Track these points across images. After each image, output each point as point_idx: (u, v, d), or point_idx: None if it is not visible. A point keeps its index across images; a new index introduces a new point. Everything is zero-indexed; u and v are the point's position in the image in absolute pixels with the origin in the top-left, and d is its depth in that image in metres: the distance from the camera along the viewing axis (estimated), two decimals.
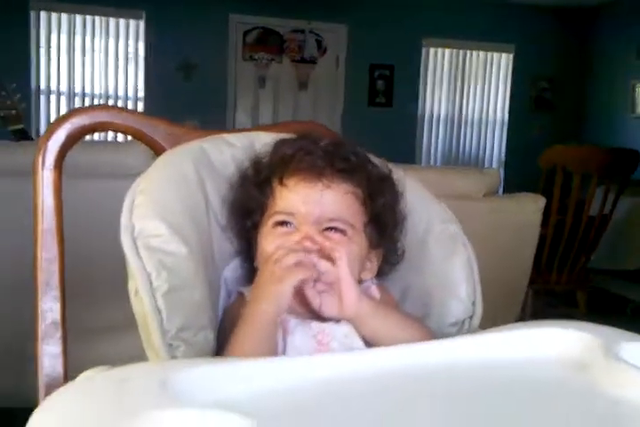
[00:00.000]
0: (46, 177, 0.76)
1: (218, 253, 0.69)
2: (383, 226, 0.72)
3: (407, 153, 5.75)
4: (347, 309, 0.63)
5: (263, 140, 0.77)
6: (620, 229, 3.31)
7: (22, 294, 1.66)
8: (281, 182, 0.68)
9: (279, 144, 0.72)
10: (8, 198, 1.71)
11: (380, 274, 0.75)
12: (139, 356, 1.73)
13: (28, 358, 1.69)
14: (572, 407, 0.50)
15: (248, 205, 0.71)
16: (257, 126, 0.90)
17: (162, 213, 0.62)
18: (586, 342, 0.58)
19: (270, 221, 0.68)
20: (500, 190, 2.23)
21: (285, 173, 0.68)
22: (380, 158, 0.77)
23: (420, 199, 0.78)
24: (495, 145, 6.07)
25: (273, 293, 0.60)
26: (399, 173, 0.77)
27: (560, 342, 0.59)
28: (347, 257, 0.63)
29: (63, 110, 5.19)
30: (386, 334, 0.63)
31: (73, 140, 0.78)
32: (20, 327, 1.70)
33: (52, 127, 0.77)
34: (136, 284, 0.58)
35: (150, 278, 0.58)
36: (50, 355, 0.75)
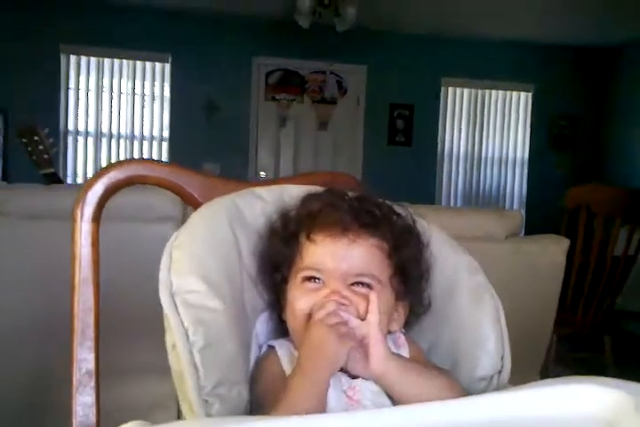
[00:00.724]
0: (84, 229, 0.79)
1: (249, 305, 0.71)
2: (408, 277, 0.73)
3: (427, 191, 5.77)
4: (374, 367, 0.63)
5: (292, 193, 0.79)
6: None
7: (44, 344, 1.69)
8: (308, 238, 0.70)
9: (306, 199, 0.74)
10: (36, 241, 1.75)
11: (408, 325, 0.76)
12: (163, 395, 1.72)
13: (49, 410, 1.70)
14: None
15: (276, 259, 0.72)
16: (289, 177, 0.93)
17: (198, 269, 0.64)
18: (616, 399, 0.58)
19: (299, 276, 0.70)
20: (522, 229, 2.22)
21: (312, 228, 0.70)
22: (403, 208, 0.78)
23: (446, 249, 0.79)
24: (516, 183, 6.07)
25: (331, 361, 0.61)
26: (423, 224, 0.78)
27: (590, 400, 0.58)
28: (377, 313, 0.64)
29: (90, 151, 5.33)
30: (414, 391, 0.63)
31: (110, 193, 0.81)
32: (41, 380, 1.72)
33: (91, 181, 0.80)
34: (174, 339, 0.59)
35: (187, 334, 0.59)
36: (84, 404, 0.76)
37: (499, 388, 0.70)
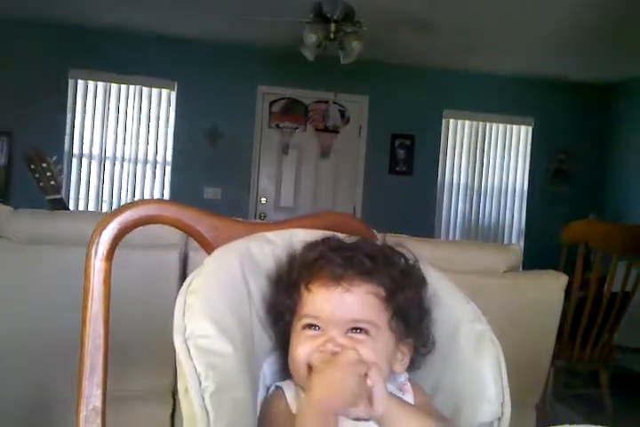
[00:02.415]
0: (97, 267, 0.81)
1: (258, 347, 0.73)
2: (409, 319, 0.75)
3: (427, 221, 5.81)
4: (377, 407, 0.65)
5: (300, 237, 0.82)
6: None
7: (46, 366, 1.69)
8: (307, 287, 0.74)
9: (306, 249, 0.78)
10: (41, 266, 1.77)
11: (413, 366, 0.77)
12: (161, 420, 1.71)
13: None
14: None
15: (279, 308, 0.76)
16: (296, 219, 0.95)
17: (211, 313, 0.66)
18: None
19: (299, 324, 0.73)
20: (521, 262, 2.24)
21: (309, 278, 0.74)
22: (405, 249, 0.80)
23: (449, 296, 0.81)
24: (515, 215, 6.11)
25: (345, 396, 0.64)
26: (425, 266, 0.80)
27: None
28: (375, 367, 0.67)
29: (94, 174, 5.37)
30: None
31: (124, 232, 0.83)
32: (40, 401, 1.72)
33: (106, 220, 0.83)
34: (186, 384, 0.61)
35: (200, 379, 0.61)
36: None
37: None
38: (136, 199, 5.00)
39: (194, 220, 0.89)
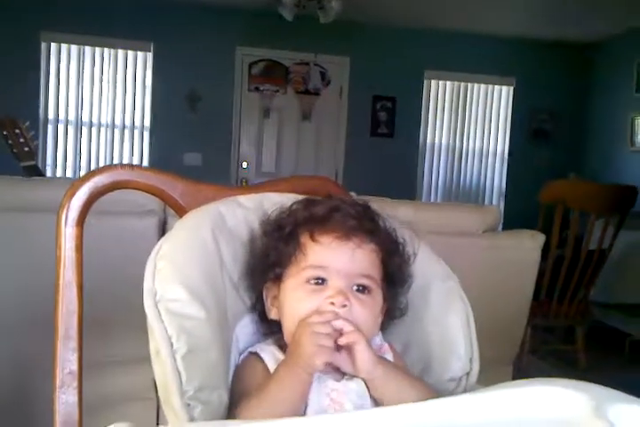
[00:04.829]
0: (68, 233, 0.80)
1: (230, 311, 0.73)
2: (394, 283, 0.77)
3: (408, 183, 5.82)
4: (360, 372, 0.66)
5: (272, 200, 0.82)
6: (619, 262, 3.34)
7: (23, 332, 1.69)
8: (312, 238, 0.72)
9: (309, 203, 0.77)
10: (16, 233, 1.75)
11: (382, 328, 0.79)
12: (142, 387, 1.74)
13: (31, 398, 1.71)
14: None
15: (271, 257, 0.74)
16: (268, 182, 0.94)
17: (181, 278, 0.66)
18: (577, 402, 0.61)
19: (302, 275, 0.71)
20: (500, 222, 2.27)
21: (318, 230, 0.72)
22: (394, 220, 0.82)
23: (422, 257, 0.82)
24: (496, 176, 6.14)
25: (306, 365, 0.64)
26: (411, 235, 0.82)
27: (552, 402, 0.62)
28: (366, 322, 0.69)
29: (70, 140, 5.28)
30: (394, 395, 0.66)
31: (94, 198, 0.82)
32: (22, 372, 1.73)
33: (75, 186, 0.82)
34: (157, 346, 0.62)
35: (171, 341, 0.62)
36: (66, 403, 0.78)
37: (467, 389, 0.74)
38: None
39: (166, 185, 0.88)
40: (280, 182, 0.96)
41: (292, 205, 0.78)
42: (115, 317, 1.70)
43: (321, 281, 0.71)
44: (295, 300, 0.71)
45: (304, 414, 0.64)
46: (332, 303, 0.68)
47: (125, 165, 0.85)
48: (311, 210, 0.75)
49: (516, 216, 4.23)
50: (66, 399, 0.79)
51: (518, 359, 2.31)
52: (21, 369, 1.74)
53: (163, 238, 0.71)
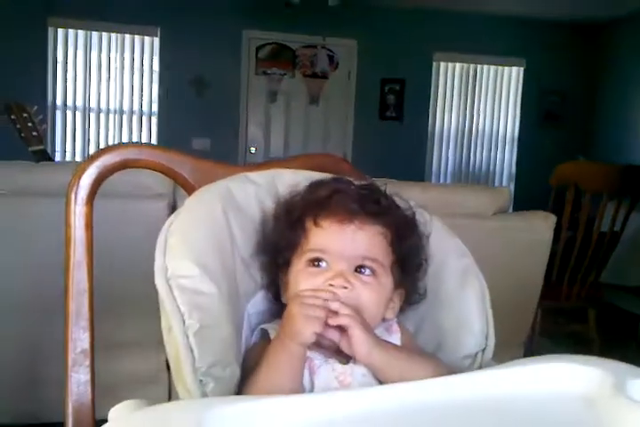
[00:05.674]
0: (78, 212, 0.80)
1: (241, 288, 0.73)
2: (408, 267, 0.75)
3: (417, 167, 5.79)
4: (355, 355, 0.66)
5: (285, 178, 0.81)
6: (631, 244, 3.31)
7: (28, 315, 1.71)
8: (315, 223, 0.72)
9: (314, 185, 0.76)
10: (26, 217, 1.76)
11: (401, 312, 0.78)
12: (156, 369, 1.75)
13: (38, 379, 1.73)
14: None
15: (279, 243, 0.74)
16: (279, 160, 0.94)
17: (193, 254, 0.65)
18: (595, 378, 0.60)
19: (304, 259, 0.71)
20: (511, 205, 2.24)
21: (319, 214, 0.72)
22: (407, 201, 0.80)
23: (438, 234, 0.81)
24: (505, 159, 6.09)
25: (295, 336, 0.63)
26: (425, 215, 0.80)
27: (570, 378, 0.61)
28: (369, 304, 0.68)
29: (79, 126, 5.28)
30: (398, 375, 0.65)
31: (104, 176, 0.82)
32: (26, 347, 1.74)
33: (85, 164, 0.81)
34: (169, 322, 0.61)
35: (183, 318, 0.61)
36: (78, 382, 0.78)
37: (482, 365, 0.73)
38: None
39: (175, 163, 0.87)
40: (289, 161, 0.95)
41: (301, 190, 0.77)
42: (128, 300, 1.70)
43: (322, 264, 0.70)
44: (296, 282, 0.71)
45: None
46: (332, 285, 0.68)
47: (134, 143, 0.84)
48: (315, 194, 0.74)
49: (527, 200, 4.19)
50: (78, 378, 0.79)
51: (529, 341, 2.30)
52: (29, 352, 1.75)
53: (173, 215, 0.71)
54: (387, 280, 0.72)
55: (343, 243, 0.70)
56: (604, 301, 3.31)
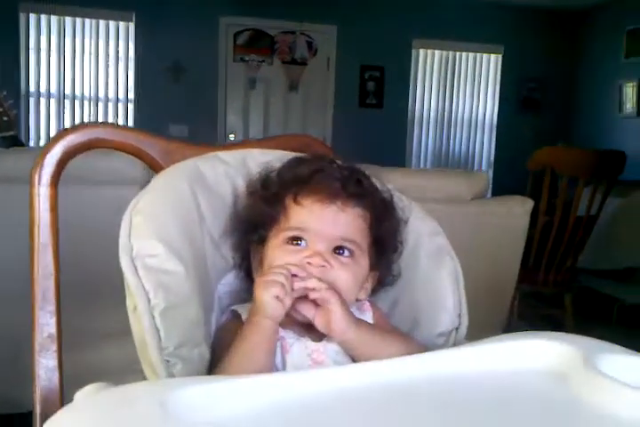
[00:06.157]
0: (42, 193, 0.78)
1: (211, 269, 0.71)
2: (384, 249, 0.75)
3: (397, 153, 5.79)
4: (332, 331, 0.65)
5: (256, 158, 0.79)
6: (607, 228, 3.35)
7: (14, 302, 1.68)
8: (295, 200, 0.70)
9: (295, 162, 0.75)
10: (2, 205, 1.72)
11: (373, 293, 0.78)
12: (134, 358, 1.74)
13: (23, 367, 1.70)
14: (552, 419, 0.52)
15: (255, 219, 0.73)
16: (253, 140, 0.92)
17: (158, 233, 0.64)
18: (566, 353, 0.61)
19: (282, 236, 0.70)
20: (489, 191, 2.25)
21: (301, 191, 0.70)
22: (386, 185, 0.79)
23: (414, 216, 0.80)
24: (485, 145, 6.12)
25: (260, 307, 0.63)
26: (404, 200, 0.80)
27: (542, 354, 0.61)
28: (346, 284, 0.67)
29: (53, 113, 5.18)
30: (372, 353, 0.64)
31: (69, 156, 0.79)
32: (12, 335, 1.71)
33: (50, 144, 0.79)
34: (134, 302, 0.60)
35: (148, 297, 0.60)
36: (46, 368, 0.76)
37: (456, 343, 0.73)
38: None
39: (143, 143, 0.85)
40: (265, 141, 0.94)
41: (278, 166, 0.75)
42: (105, 288, 1.68)
43: (300, 242, 0.69)
44: (272, 259, 0.69)
45: None
46: (309, 263, 0.67)
47: (101, 122, 0.82)
48: (295, 171, 0.73)
49: (505, 185, 4.22)
50: (46, 364, 0.77)
51: (506, 324, 2.32)
52: (12, 340, 1.73)
53: (139, 194, 0.69)
54: (364, 262, 0.72)
55: (324, 223, 0.69)
56: (581, 285, 3.34)
